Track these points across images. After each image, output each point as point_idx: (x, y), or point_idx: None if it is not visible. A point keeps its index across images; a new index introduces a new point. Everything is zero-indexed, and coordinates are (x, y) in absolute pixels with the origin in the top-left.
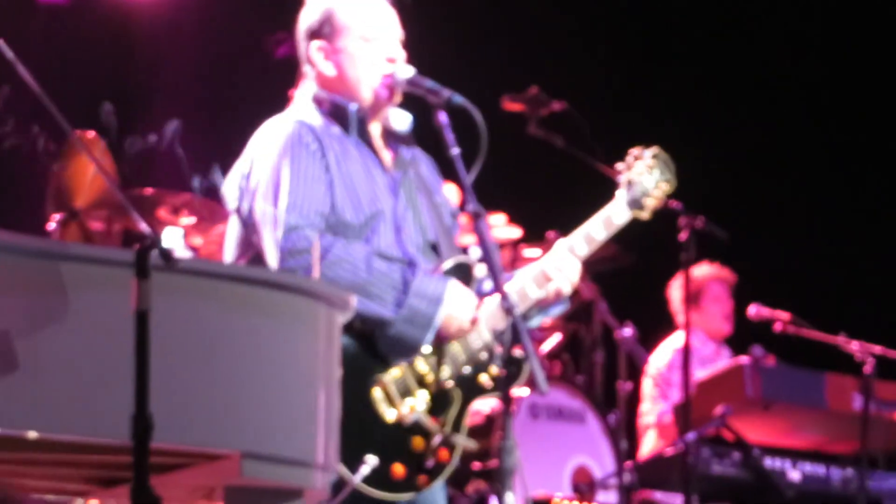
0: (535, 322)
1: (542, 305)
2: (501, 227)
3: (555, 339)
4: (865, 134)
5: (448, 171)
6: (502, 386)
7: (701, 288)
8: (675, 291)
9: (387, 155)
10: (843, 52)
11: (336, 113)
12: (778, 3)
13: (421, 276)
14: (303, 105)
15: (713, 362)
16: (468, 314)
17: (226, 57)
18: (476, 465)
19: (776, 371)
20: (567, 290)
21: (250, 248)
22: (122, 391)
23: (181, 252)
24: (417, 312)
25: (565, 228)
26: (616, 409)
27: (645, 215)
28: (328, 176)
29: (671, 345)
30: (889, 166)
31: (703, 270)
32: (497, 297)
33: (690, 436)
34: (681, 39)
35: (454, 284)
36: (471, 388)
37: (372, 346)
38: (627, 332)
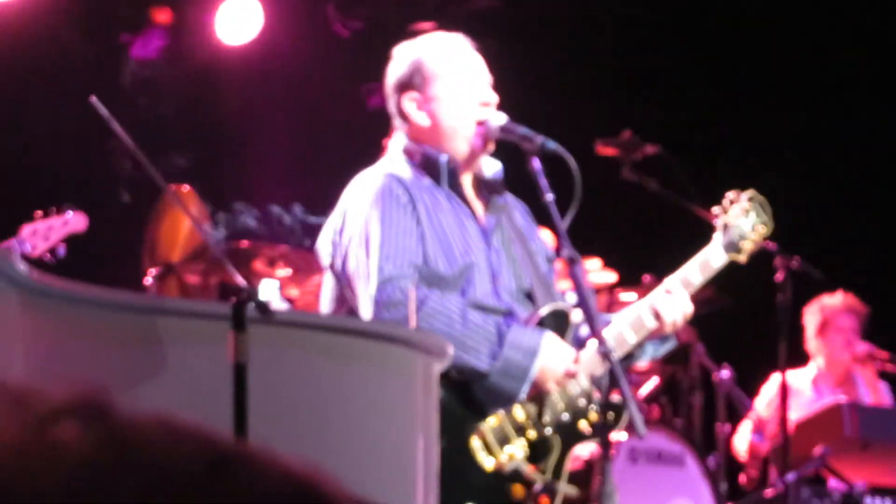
0: (647, 355)
1: (650, 340)
2: (597, 271)
3: (652, 383)
4: None
5: (543, 217)
6: (601, 431)
7: (828, 318)
8: (810, 318)
9: (478, 204)
10: None
11: (427, 164)
12: (863, 45)
13: (516, 328)
14: (393, 158)
15: (834, 394)
16: (564, 366)
17: (317, 106)
18: None
19: (874, 410)
20: (679, 322)
21: (345, 304)
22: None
23: (277, 304)
24: (512, 364)
25: (661, 272)
26: (715, 451)
27: (742, 258)
28: (419, 228)
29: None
30: None
31: (833, 300)
32: (593, 342)
33: (790, 476)
34: (771, 81)
35: (550, 336)
36: (570, 435)
37: (469, 397)
38: (725, 374)
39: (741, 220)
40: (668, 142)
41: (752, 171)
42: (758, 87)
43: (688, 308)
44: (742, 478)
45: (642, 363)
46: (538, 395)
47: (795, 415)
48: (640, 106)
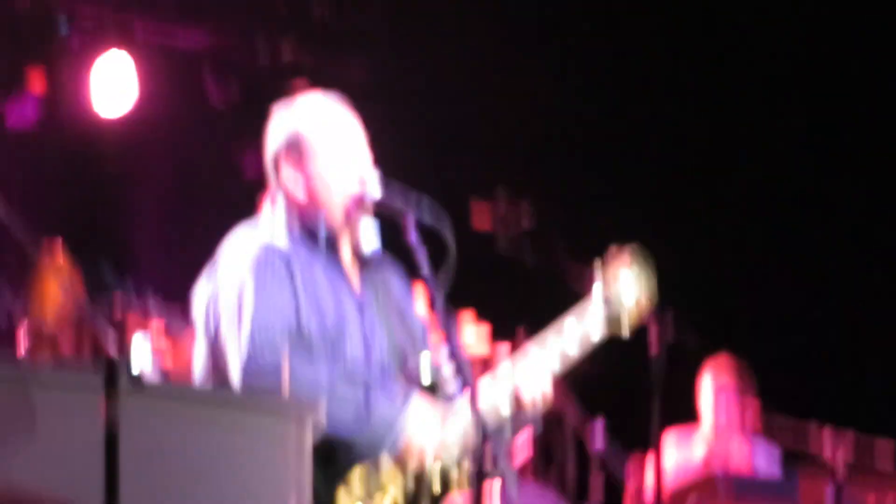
0: (507, 437)
1: (511, 422)
2: (476, 342)
3: (525, 451)
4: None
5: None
6: (473, 483)
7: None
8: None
9: (355, 275)
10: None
11: (305, 235)
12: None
13: (383, 399)
14: (271, 225)
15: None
16: (431, 437)
17: (195, 176)
18: None
19: (749, 481)
20: (539, 406)
21: (217, 373)
22: None
23: (149, 372)
24: (377, 435)
25: (534, 325)
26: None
27: (624, 332)
28: (294, 300)
29: None
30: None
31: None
32: (469, 409)
33: None
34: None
35: (417, 404)
36: (442, 483)
37: (332, 462)
38: (599, 434)
39: (623, 293)
40: (544, 197)
41: (631, 224)
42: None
43: (548, 391)
44: None
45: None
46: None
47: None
48: (515, 163)
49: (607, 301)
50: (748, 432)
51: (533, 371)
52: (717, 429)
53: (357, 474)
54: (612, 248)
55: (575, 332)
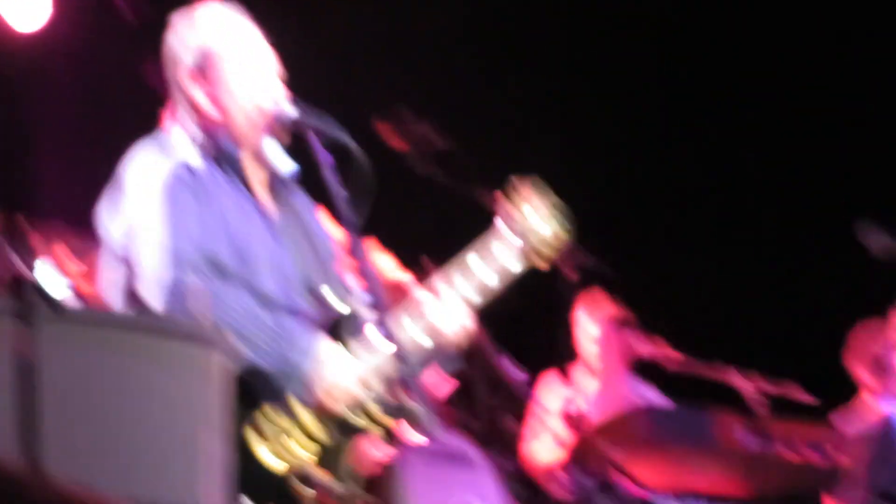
0: (424, 374)
1: (432, 358)
2: (389, 267)
3: (447, 385)
4: (750, 155)
5: (332, 211)
6: (393, 433)
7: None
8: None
9: (268, 200)
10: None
11: (219, 156)
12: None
13: (297, 328)
14: (182, 144)
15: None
16: (341, 376)
17: (101, 85)
18: None
19: (669, 412)
20: (462, 342)
21: (135, 296)
22: (10, 443)
23: (60, 290)
24: (290, 364)
25: (439, 255)
26: (508, 453)
27: (542, 265)
28: (210, 222)
29: None
30: (771, 191)
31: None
32: (386, 343)
33: (586, 481)
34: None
35: (328, 344)
36: (347, 427)
37: (245, 392)
38: (519, 373)
39: (541, 226)
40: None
41: (538, 158)
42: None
43: (470, 325)
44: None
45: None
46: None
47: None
48: (417, 81)
49: (524, 233)
50: (630, 367)
51: (453, 304)
52: (605, 362)
53: (266, 414)
54: (515, 180)
55: (494, 264)
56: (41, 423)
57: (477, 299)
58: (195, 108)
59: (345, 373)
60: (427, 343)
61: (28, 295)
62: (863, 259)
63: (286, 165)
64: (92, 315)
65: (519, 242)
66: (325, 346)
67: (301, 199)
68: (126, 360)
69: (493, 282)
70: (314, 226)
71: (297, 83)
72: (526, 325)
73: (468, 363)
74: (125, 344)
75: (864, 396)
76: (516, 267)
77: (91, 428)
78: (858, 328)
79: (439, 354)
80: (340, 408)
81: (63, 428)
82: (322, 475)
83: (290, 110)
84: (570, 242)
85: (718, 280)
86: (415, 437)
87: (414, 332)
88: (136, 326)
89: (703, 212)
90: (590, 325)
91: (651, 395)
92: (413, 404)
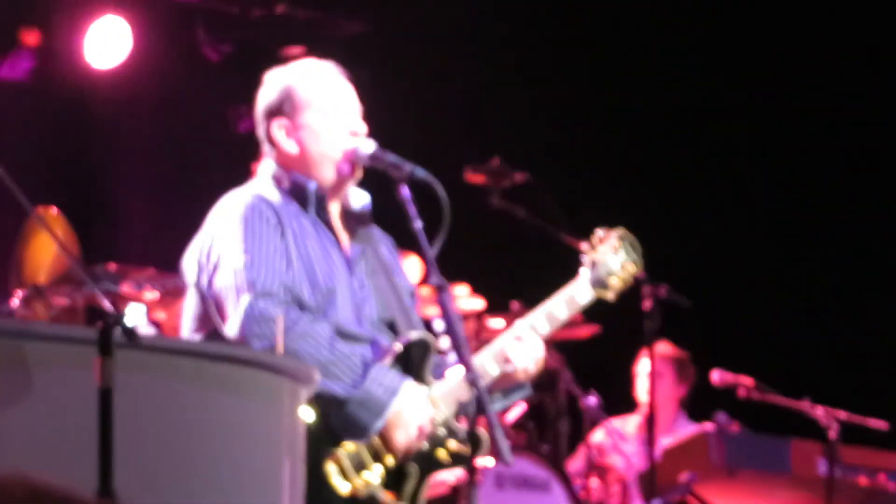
0: (497, 406)
1: (503, 387)
2: (465, 298)
3: (519, 409)
4: (825, 197)
5: (411, 244)
6: (464, 459)
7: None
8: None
9: (344, 234)
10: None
11: (295, 191)
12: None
13: (380, 366)
14: (262, 181)
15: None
16: (419, 417)
17: (187, 131)
18: None
19: (740, 438)
20: (531, 369)
21: (208, 324)
22: (87, 469)
23: (144, 329)
24: (372, 397)
25: (529, 299)
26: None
27: (610, 296)
28: (286, 252)
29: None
30: (844, 233)
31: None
32: (460, 368)
33: (656, 503)
34: (641, 106)
35: (411, 383)
36: (428, 463)
37: (325, 423)
38: (592, 400)
39: (610, 258)
40: (538, 170)
41: (622, 201)
42: (629, 116)
43: (540, 352)
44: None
45: (497, 407)
46: (392, 425)
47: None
48: (509, 133)
49: (594, 264)
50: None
51: (522, 334)
52: (654, 397)
53: (346, 447)
54: (601, 230)
55: (563, 295)
56: (117, 449)
57: (545, 328)
58: (273, 144)
59: (426, 412)
60: (498, 371)
61: (106, 324)
62: None
63: (360, 199)
64: (166, 342)
65: (589, 274)
66: (408, 386)
67: (377, 234)
68: (199, 388)
69: (562, 312)
70: (390, 259)
71: (382, 134)
72: (607, 355)
73: (543, 389)
74: (200, 372)
75: None
76: (585, 298)
77: (165, 454)
78: None
79: (511, 382)
80: (419, 444)
81: (138, 454)
82: (388, 499)
83: (368, 146)
84: (645, 275)
85: (796, 312)
86: (488, 463)
87: (487, 360)
88: (211, 355)
89: (786, 249)
90: (642, 363)
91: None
92: (485, 432)
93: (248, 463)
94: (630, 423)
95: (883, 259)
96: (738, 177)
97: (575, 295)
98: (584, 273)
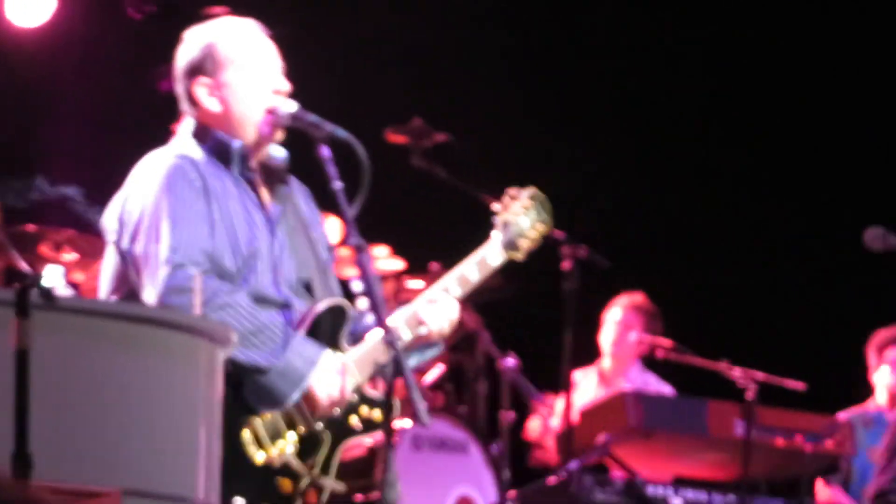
0: (412, 362)
1: (416, 347)
2: (385, 259)
3: (437, 370)
4: (746, 157)
5: (331, 204)
6: (376, 425)
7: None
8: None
9: (265, 191)
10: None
11: (217, 149)
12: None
13: (301, 337)
14: (184, 140)
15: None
16: (332, 386)
17: (109, 89)
18: (359, 498)
19: (657, 399)
20: (445, 330)
21: (126, 284)
22: (2, 431)
23: (63, 290)
24: (291, 368)
25: (449, 261)
26: (499, 439)
27: (520, 256)
28: (210, 215)
29: None
30: (763, 193)
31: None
32: (378, 331)
33: (573, 464)
34: (560, 64)
35: (329, 354)
36: (341, 430)
37: (241, 392)
38: (510, 362)
39: (520, 218)
40: (459, 130)
41: (541, 161)
42: (549, 76)
43: (454, 314)
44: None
45: (412, 363)
46: (307, 396)
47: None
48: (430, 93)
49: (506, 225)
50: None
51: (435, 296)
52: (615, 360)
53: (262, 417)
54: (511, 189)
55: (475, 257)
56: (35, 412)
57: (457, 291)
58: (195, 103)
59: (339, 381)
60: (411, 334)
61: (23, 285)
62: (866, 265)
63: (278, 154)
64: (83, 303)
65: (501, 236)
66: (327, 356)
67: (297, 189)
68: (116, 349)
69: (474, 275)
70: (308, 214)
71: (303, 94)
72: (526, 316)
73: (461, 350)
74: (115, 332)
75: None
76: (496, 260)
77: (81, 416)
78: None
79: (426, 342)
80: (335, 412)
81: (54, 417)
82: (301, 466)
83: (289, 105)
84: (564, 236)
85: (713, 273)
86: (405, 425)
87: (400, 323)
88: (126, 315)
89: (703, 213)
90: (612, 310)
91: (658, 386)
92: (397, 397)
93: (164, 424)
94: (590, 375)
95: (799, 219)
96: (662, 135)
97: (486, 257)
98: (496, 235)
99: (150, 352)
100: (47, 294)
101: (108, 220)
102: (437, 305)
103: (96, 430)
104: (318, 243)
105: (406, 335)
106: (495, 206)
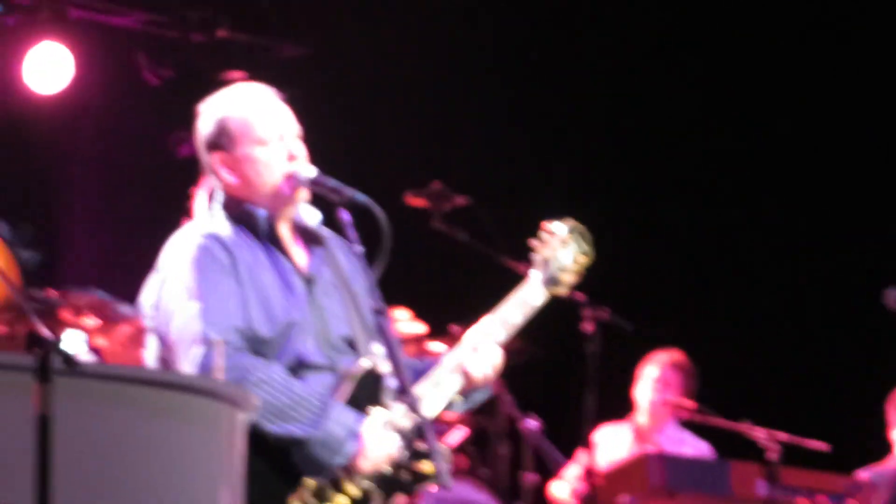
0: (460, 409)
1: (464, 393)
2: (406, 322)
3: (460, 433)
4: (764, 217)
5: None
6: (427, 477)
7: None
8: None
9: (299, 252)
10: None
11: (245, 220)
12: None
13: (339, 405)
14: (213, 213)
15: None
16: (380, 447)
17: (128, 155)
18: None
19: (680, 460)
20: (489, 376)
21: (167, 367)
22: (25, 497)
23: (85, 355)
24: (332, 437)
25: (469, 323)
26: (521, 501)
27: (563, 291)
28: (241, 290)
29: None
30: (782, 254)
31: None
32: (402, 399)
33: None
34: (584, 130)
35: (370, 419)
36: (391, 486)
37: (285, 463)
38: (533, 424)
39: (560, 253)
40: (479, 193)
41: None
42: (569, 137)
43: (497, 359)
44: None
45: (459, 410)
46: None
47: None
48: (449, 157)
49: (546, 262)
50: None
51: (478, 343)
52: (652, 417)
53: (308, 484)
54: (547, 223)
55: (515, 299)
56: (56, 478)
57: (501, 335)
58: (217, 177)
59: (385, 447)
60: (459, 385)
61: (45, 351)
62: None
63: (313, 217)
64: (104, 369)
65: (540, 274)
66: (367, 424)
67: (335, 244)
68: (138, 414)
69: (516, 316)
70: (350, 270)
71: (321, 157)
72: (548, 379)
73: (484, 413)
74: (135, 397)
75: None
76: (538, 299)
77: (103, 480)
78: None
79: (472, 389)
80: (384, 468)
81: (76, 482)
82: None
83: (308, 170)
84: (586, 299)
85: (736, 334)
86: (428, 487)
87: (446, 375)
88: (146, 380)
89: (724, 274)
90: (650, 367)
91: (695, 444)
92: (433, 464)
93: (186, 489)
94: (622, 431)
95: (825, 281)
96: (680, 197)
97: (527, 297)
98: (534, 274)
99: (171, 416)
100: (68, 359)
101: (145, 304)
102: (481, 352)
103: (118, 495)
104: (360, 297)
105: (454, 386)
106: (533, 243)
